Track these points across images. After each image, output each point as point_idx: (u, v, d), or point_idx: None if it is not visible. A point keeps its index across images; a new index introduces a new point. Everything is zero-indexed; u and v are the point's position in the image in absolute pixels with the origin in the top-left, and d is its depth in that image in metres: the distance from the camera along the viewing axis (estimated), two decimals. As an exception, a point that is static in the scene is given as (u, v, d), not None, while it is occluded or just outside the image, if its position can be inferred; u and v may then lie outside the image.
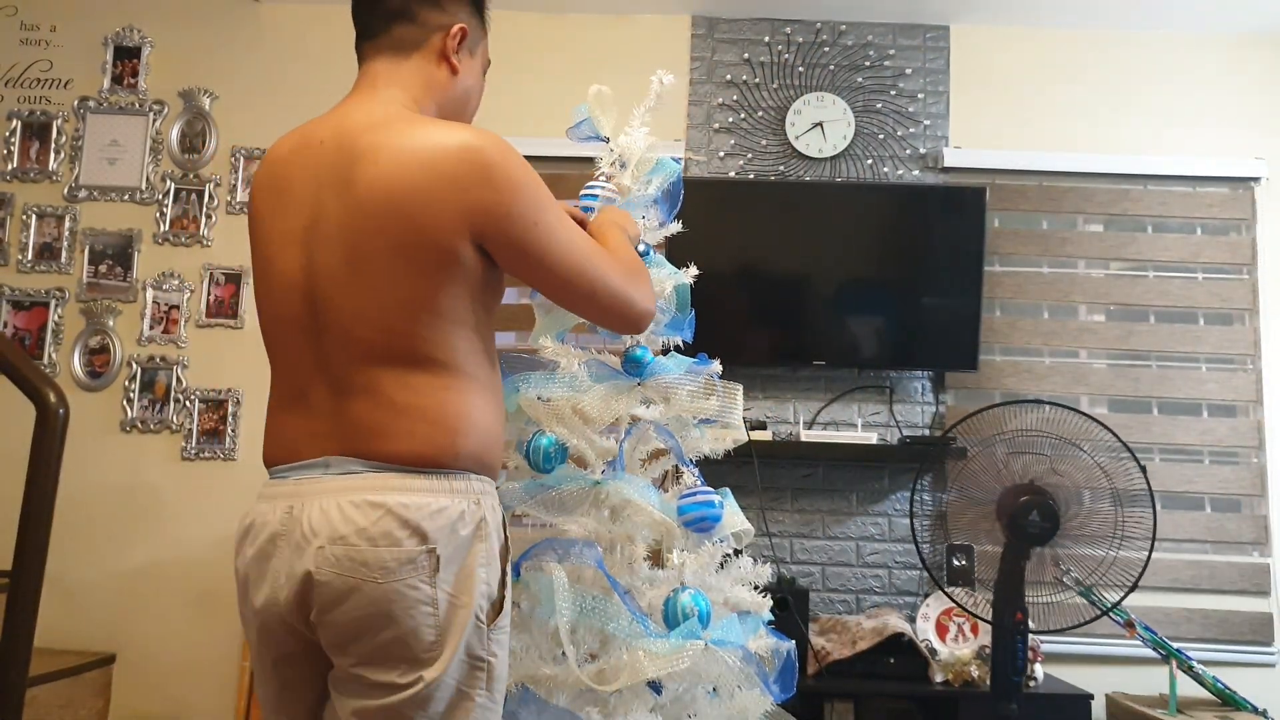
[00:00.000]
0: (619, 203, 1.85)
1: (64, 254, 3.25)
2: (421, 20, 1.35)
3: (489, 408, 1.26)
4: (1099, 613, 2.27)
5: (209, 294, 3.23)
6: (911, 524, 2.85)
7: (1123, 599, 2.29)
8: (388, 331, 1.19)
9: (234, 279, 3.24)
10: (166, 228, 3.26)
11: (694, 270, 1.89)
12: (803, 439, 3.02)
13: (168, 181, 3.28)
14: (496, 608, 1.20)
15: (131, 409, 3.17)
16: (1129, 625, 2.56)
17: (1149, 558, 2.29)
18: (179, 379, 3.18)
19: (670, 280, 1.83)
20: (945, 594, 2.48)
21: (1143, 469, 2.30)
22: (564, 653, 1.51)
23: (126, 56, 3.35)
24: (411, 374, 1.20)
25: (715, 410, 1.80)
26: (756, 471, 2.98)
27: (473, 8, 1.41)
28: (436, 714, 1.16)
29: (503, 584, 1.22)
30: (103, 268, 3.25)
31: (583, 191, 1.89)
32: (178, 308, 3.22)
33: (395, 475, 1.17)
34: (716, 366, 1.84)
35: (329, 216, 1.22)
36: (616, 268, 1.33)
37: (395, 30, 1.35)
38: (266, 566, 1.20)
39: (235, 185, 3.28)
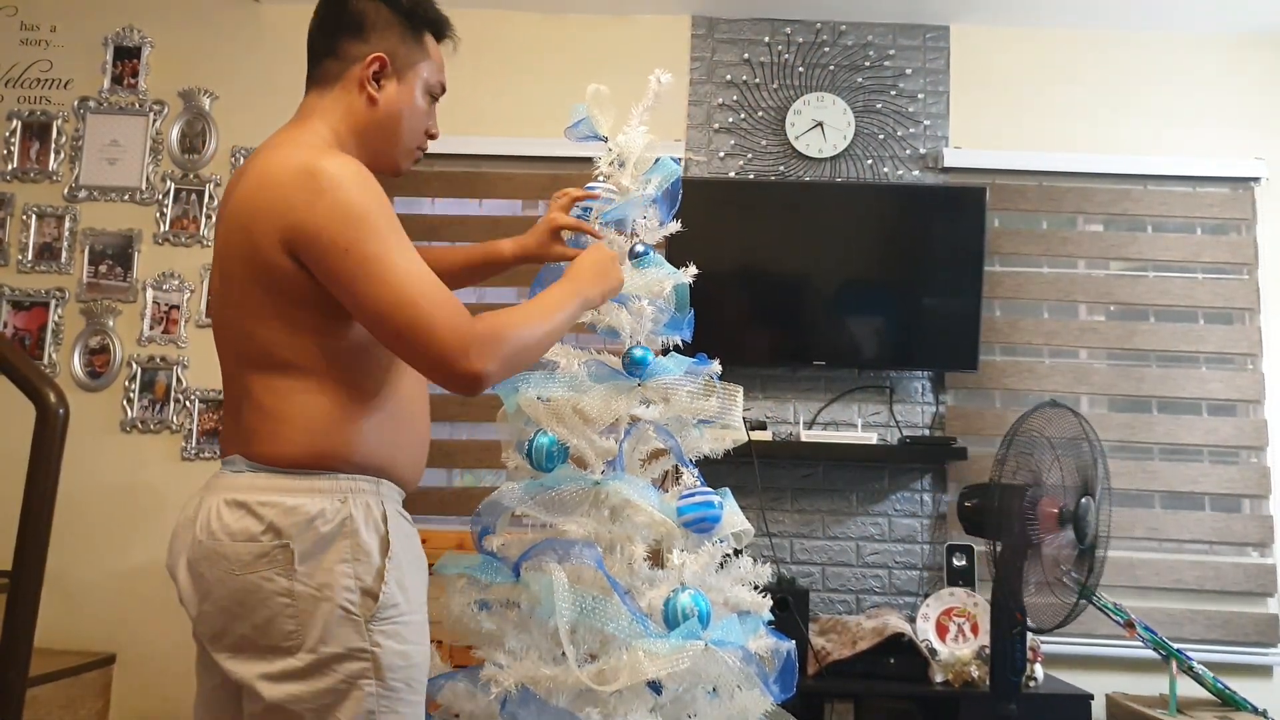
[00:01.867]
0: (620, 203, 1.85)
1: (64, 254, 3.25)
2: (342, 53, 1.40)
3: (364, 409, 1.30)
4: (1080, 602, 2.25)
5: (209, 294, 3.23)
6: (965, 529, 2.69)
7: (1087, 580, 2.26)
8: (251, 340, 1.29)
9: (234, 279, 3.23)
10: (166, 228, 3.26)
11: (693, 270, 1.89)
12: (803, 439, 3.02)
13: (168, 182, 3.28)
14: (373, 598, 1.24)
15: (131, 409, 3.17)
16: (1129, 625, 2.55)
17: (1104, 554, 2.29)
18: (179, 379, 3.18)
19: (670, 280, 1.83)
20: (1001, 599, 2.46)
21: (1096, 461, 2.28)
22: (564, 653, 1.51)
23: (126, 56, 3.35)
24: (274, 379, 1.28)
25: (715, 410, 1.80)
26: (756, 472, 2.97)
27: (405, 34, 1.43)
28: (322, 706, 1.22)
29: (381, 577, 1.25)
30: (103, 268, 3.25)
31: (584, 188, 1.89)
32: (178, 308, 3.22)
33: (265, 475, 1.26)
34: (716, 366, 1.84)
35: (219, 237, 1.35)
36: (449, 316, 1.23)
37: (322, 64, 1.41)
38: (175, 545, 1.33)
39: (235, 185, 3.27)
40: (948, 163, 3.23)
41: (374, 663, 1.24)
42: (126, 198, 3.28)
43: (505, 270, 1.79)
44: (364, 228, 1.23)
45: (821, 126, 3.26)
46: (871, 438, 2.98)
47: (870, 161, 3.26)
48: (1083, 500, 2.25)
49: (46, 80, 3.35)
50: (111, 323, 3.22)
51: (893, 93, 3.29)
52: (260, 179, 1.27)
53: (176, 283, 3.23)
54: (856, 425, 3.12)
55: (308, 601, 1.22)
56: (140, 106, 3.32)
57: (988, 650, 2.53)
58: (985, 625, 2.76)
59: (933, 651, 2.82)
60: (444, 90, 1.53)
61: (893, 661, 2.73)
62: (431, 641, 1.76)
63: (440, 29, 1.51)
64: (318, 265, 1.23)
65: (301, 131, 1.36)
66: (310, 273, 1.24)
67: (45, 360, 3.19)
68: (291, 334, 1.27)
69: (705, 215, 2.96)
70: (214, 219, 3.27)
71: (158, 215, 3.27)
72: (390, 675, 1.25)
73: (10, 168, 3.29)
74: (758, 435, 2.92)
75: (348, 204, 1.23)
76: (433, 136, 1.52)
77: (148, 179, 3.29)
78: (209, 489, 1.31)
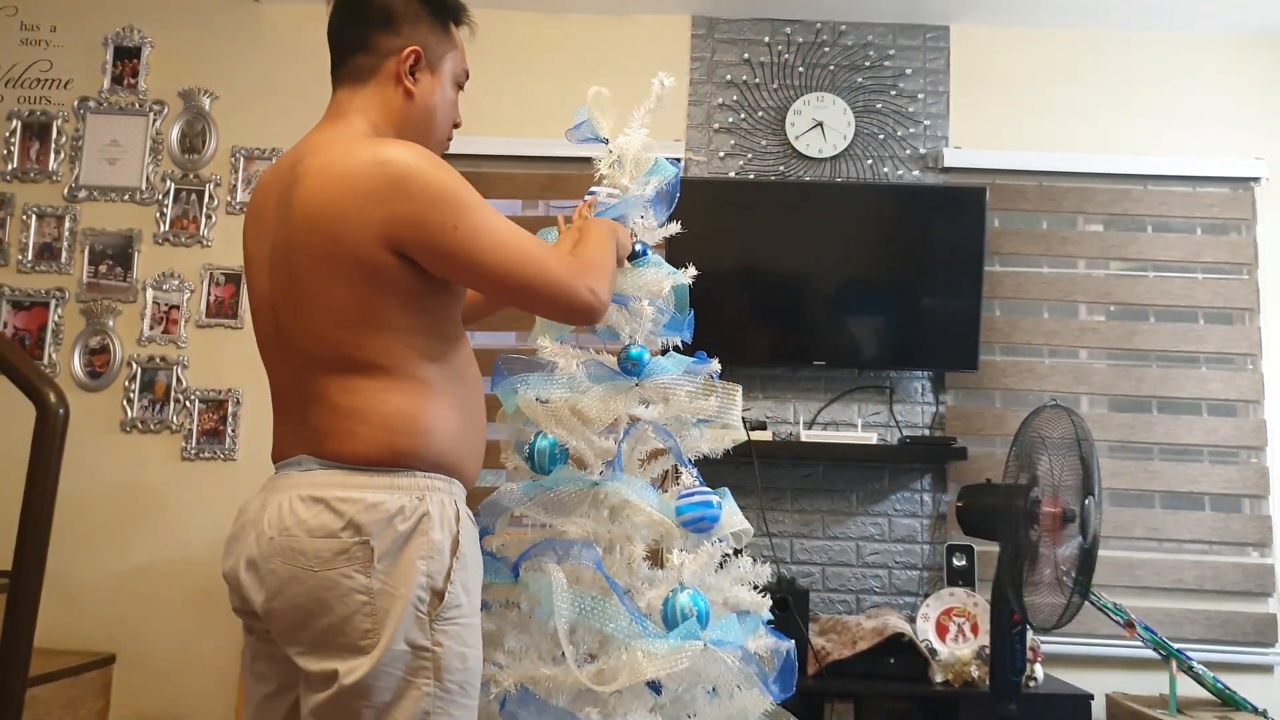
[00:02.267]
0: (617, 203, 1.85)
1: (64, 254, 3.25)
2: (375, 47, 1.39)
3: (440, 408, 1.32)
4: (1078, 601, 2.25)
5: (209, 294, 3.23)
6: (1021, 534, 2.74)
7: (1086, 579, 2.26)
8: (326, 342, 1.28)
9: (234, 279, 3.24)
10: (166, 228, 3.26)
11: (693, 270, 1.89)
12: (803, 439, 3.02)
13: (168, 182, 3.28)
14: (439, 598, 1.24)
15: (131, 409, 3.17)
16: (1129, 625, 2.55)
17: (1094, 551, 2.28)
18: (179, 379, 3.18)
19: (669, 280, 1.83)
20: (1010, 594, 2.46)
21: (1082, 458, 2.28)
22: (563, 653, 1.51)
23: (126, 56, 3.35)
24: (352, 379, 1.28)
25: (714, 410, 1.80)
26: (756, 471, 2.97)
27: (434, 24, 1.44)
28: (382, 704, 1.21)
29: (449, 577, 1.25)
30: (103, 268, 3.25)
31: (585, 195, 1.90)
32: (178, 308, 3.22)
33: (341, 473, 1.26)
34: (715, 366, 1.84)
35: (279, 240, 1.32)
36: (557, 259, 1.34)
37: (354, 60, 1.41)
38: (235, 548, 1.31)
39: (235, 185, 3.28)
40: (948, 163, 3.23)
41: (434, 663, 1.23)
42: (126, 198, 3.28)
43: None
44: (460, 204, 1.27)
45: (821, 126, 3.26)
46: (871, 438, 2.98)
47: (870, 161, 3.26)
48: (1086, 500, 2.25)
49: (46, 80, 3.35)
50: (111, 323, 3.22)
51: (893, 93, 3.29)
52: (331, 179, 1.26)
53: (176, 283, 3.23)
54: (856, 425, 3.13)
55: (385, 599, 1.21)
56: (140, 106, 3.32)
57: (988, 650, 2.54)
58: (985, 625, 2.76)
59: (933, 651, 2.82)
60: (468, 77, 1.54)
61: (893, 661, 2.74)
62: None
63: (459, 15, 1.51)
64: (428, 249, 1.26)
65: (345, 128, 1.36)
66: (413, 264, 1.27)
67: (45, 360, 3.19)
68: (375, 333, 1.27)
69: (705, 215, 2.97)
70: (231, 218, 3.28)
71: (158, 215, 3.27)
72: (448, 677, 1.24)
73: (10, 168, 3.29)
74: (758, 435, 2.92)
75: (439, 186, 1.26)
76: (457, 125, 1.54)
77: (148, 179, 3.29)
78: (273, 489, 1.29)
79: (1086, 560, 2.28)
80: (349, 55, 1.41)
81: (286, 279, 1.30)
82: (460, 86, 1.52)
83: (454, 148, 3.52)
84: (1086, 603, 2.31)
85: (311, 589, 1.21)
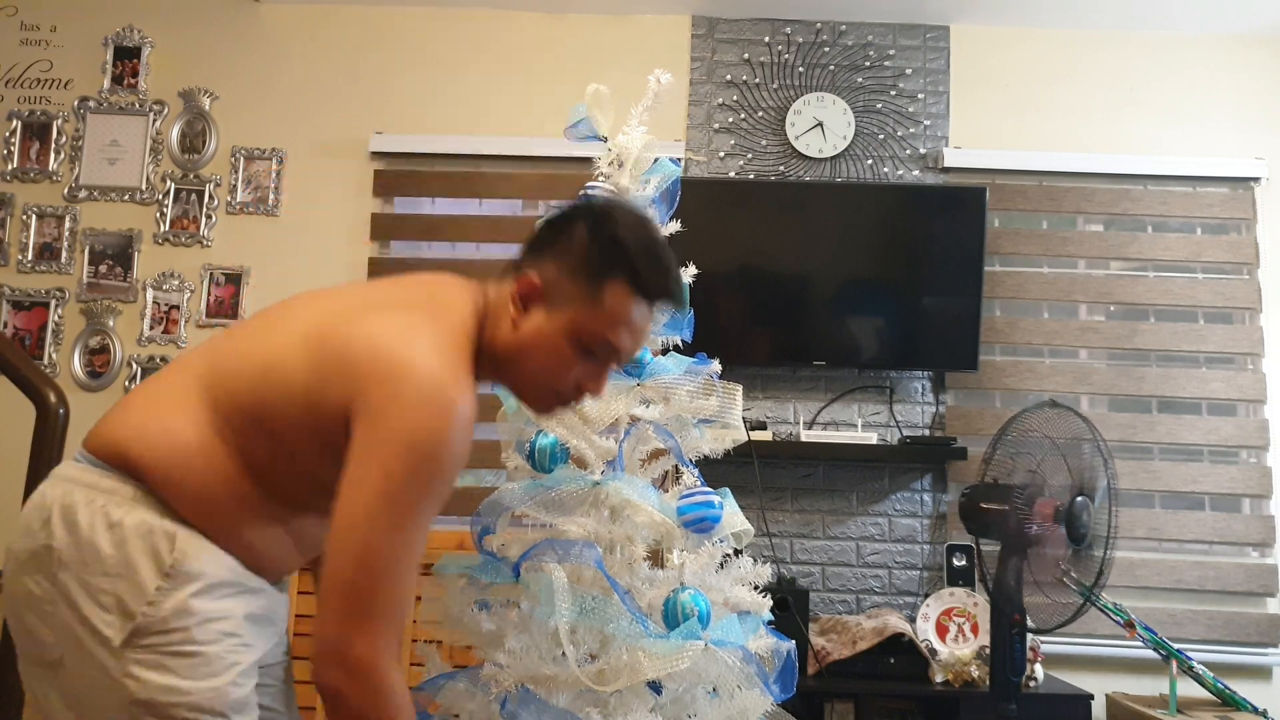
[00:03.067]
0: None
1: (64, 254, 3.25)
2: (520, 264, 1.29)
3: (246, 505, 1.21)
4: (1081, 602, 2.25)
5: (209, 294, 3.23)
6: (968, 529, 2.73)
7: (1094, 584, 2.26)
8: (245, 390, 1.21)
9: (234, 279, 3.24)
10: (166, 228, 3.26)
11: (693, 270, 1.89)
12: (803, 439, 3.02)
13: (168, 182, 3.28)
14: (129, 619, 1.10)
15: (131, 409, 3.17)
16: (1129, 626, 2.55)
17: (1105, 555, 2.28)
18: (179, 379, 3.17)
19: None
20: (987, 592, 2.46)
21: (1105, 459, 2.28)
22: (564, 653, 1.51)
23: (126, 56, 3.35)
24: (210, 421, 1.20)
25: (715, 410, 1.80)
26: (757, 471, 2.97)
27: (584, 266, 1.24)
28: None
29: (153, 596, 1.11)
30: (103, 268, 3.25)
31: (580, 192, 1.90)
32: (178, 308, 3.22)
33: (82, 466, 1.19)
34: (716, 366, 1.84)
35: (330, 303, 1.28)
36: (387, 614, 1.09)
37: (509, 268, 1.32)
38: None
39: (235, 185, 3.28)
40: (948, 163, 3.23)
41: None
42: (126, 198, 3.28)
43: None
44: (423, 472, 1.09)
45: (821, 126, 3.26)
46: (871, 438, 2.98)
47: (870, 161, 3.26)
48: (1078, 499, 2.24)
49: (46, 80, 3.35)
50: (111, 323, 3.22)
51: (893, 93, 3.29)
52: (389, 335, 1.14)
53: (176, 283, 3.23)
54: (856, 425, 3.12)
55: (63, 614, 1.10)
56: (140, 106, 3.32)
57: (988, 650, 2.53)
58: (985, 625, 2.76)
59: (933, 651, 2.82)
60: (614, 350, 1.27)
61: (893, 661, 2.73)
62: (431, 641, 1.77)
63: (648, 284, 1.25)
64: (354, 447, 1.11)
65: (464, 300, 1.27)
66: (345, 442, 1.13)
67: (45, 360, 3.19)
68: (275, 431, 1.16)
69: (705, 215, 2.96)
70: (231, 218, 3.27)
71: (158, 215, 3.27)
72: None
73: (10, 168, 3.29)
74: (758, 435, 2.92)
75: (434, 437, 1.10)
76: (589, 392, 1.31)
77: (148, 179, 3.29)
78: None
79: (1084, 560, 2.28)
80: (519, 257, 1.31)
81: (283, 326, 1.22)
82: (591, 351, 1.26)
83: (454, 147, 3.54)
84: (1087, 603, 2.31)
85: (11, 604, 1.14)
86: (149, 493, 1.15)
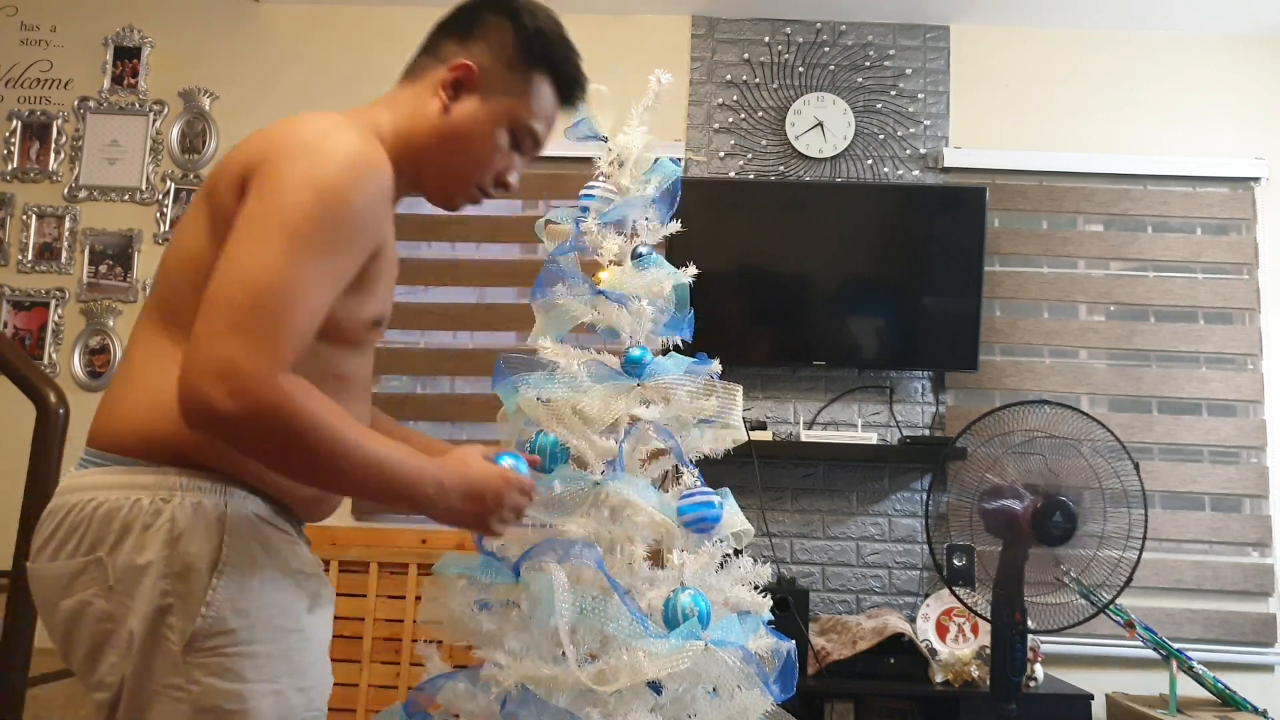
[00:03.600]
0: (618, 203, 1.85)
1: (64, 254, 3.25)
2: (439, 52, 1.26)
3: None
4: (1094, 610, 2.26)
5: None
6: (926, 525, 2.85)
7: (1115, 596, 2.28)
8: (166, 281, 1.17)
9: (234, 279, 3.23)
10: (166, 228, 3.26)
11: (693, 270, 1.89)
12: (803, 439, 3.02)
13: (168, 182, 3.28)
14: (190, 623, 1.04)
15: (131, 409, 3.17)
16: (1129, 626, 2.55)
17: (1139, 558, 2.28)
18: (179, 379, 3.18)
19: (669, 280, 1.83)
20: (955, 595, 2.47)
21: (1135, 465, 2.29)
22: (564, 653, 1.51)
23: (126, 56, 3.35)
24: (161, 332, 1.13)
25: (715, 410, 1.80)
26: (757, 471, 2.97)
27: (511, 60, 1.25)
28: None
29: (205, 598, 1.04)
30: (103, 268, 3.25)
31: (582, 191, 1.90)
32: (178, 308, 3.22)
33: (92, 471, 1.11)
34: (716, 366, 1.84)
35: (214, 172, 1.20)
36: (271, 334, 0.96)
37: (419, 60, 1.29)
38: None
39: (235, 185, 3.27)
40: (948, 163, 3.23)
41: (190, 703, 1.03)
42: (126, 198, 3.28)
43: None
44: (317, 211, 1.01)
45: (821, 126, 3.26)
46: (871, 438, 2.98)
47: (870, 161, 3.26)
48: (1048, 500, 2.25)
49: (46, 80, 3.35)
50: (112, 323, 3.22)
51: (893, 93, 3.29)
52: (277, 125, 1.11)
53: (176, 283, 3.23)
54: (856, 425, 3.12)
55: (124, 626, 1.03)
56: (140, 106, 3.32)
57: (988, 650, 2.53)
58: (985, 625, 2.76)
59: (933, 651, 2.82)
60: (535, 144, 1.30)
61: (893, 661, 2.74)
62: (431, 642, 1.77)
63: (565, 81, 1.31)
64: (251, 196, 1.03)
65: (360, 113, 1.23)
66: None
67: (45, 360, 3.19)
68: (199, 281, 1.03)
69: (705, 215, 2.97)
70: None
71: (158, 215, 3.27)
72: None
73: (10, 168, 3.29)
74: (758, 435, 2.92)
75: (330, 183, 1.03)
76: (504, 185, 1.30)
77: (148, 179, 3.29)
78: None
79: (1085, 562, 2.28)
80: (419, 54, 1.29)
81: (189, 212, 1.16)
82: (518, 145, 1.28)
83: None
84: (1087, 603, 2.31)
85: (63, 620, 1.06)
86: (181, 468, 1.06)
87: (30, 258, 3.25)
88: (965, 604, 2.43)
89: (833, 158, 3.26)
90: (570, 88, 1.32)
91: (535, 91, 1.27)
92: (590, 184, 1.88)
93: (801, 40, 3.32)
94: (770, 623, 1.76)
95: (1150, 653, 2.64)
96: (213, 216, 1.09)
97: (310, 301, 1.01)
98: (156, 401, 1.06)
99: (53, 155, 3.30)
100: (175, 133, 3.31)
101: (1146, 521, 2.30)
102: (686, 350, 1.85)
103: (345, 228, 1.04)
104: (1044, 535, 2.24)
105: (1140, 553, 2.28)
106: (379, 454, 1.05)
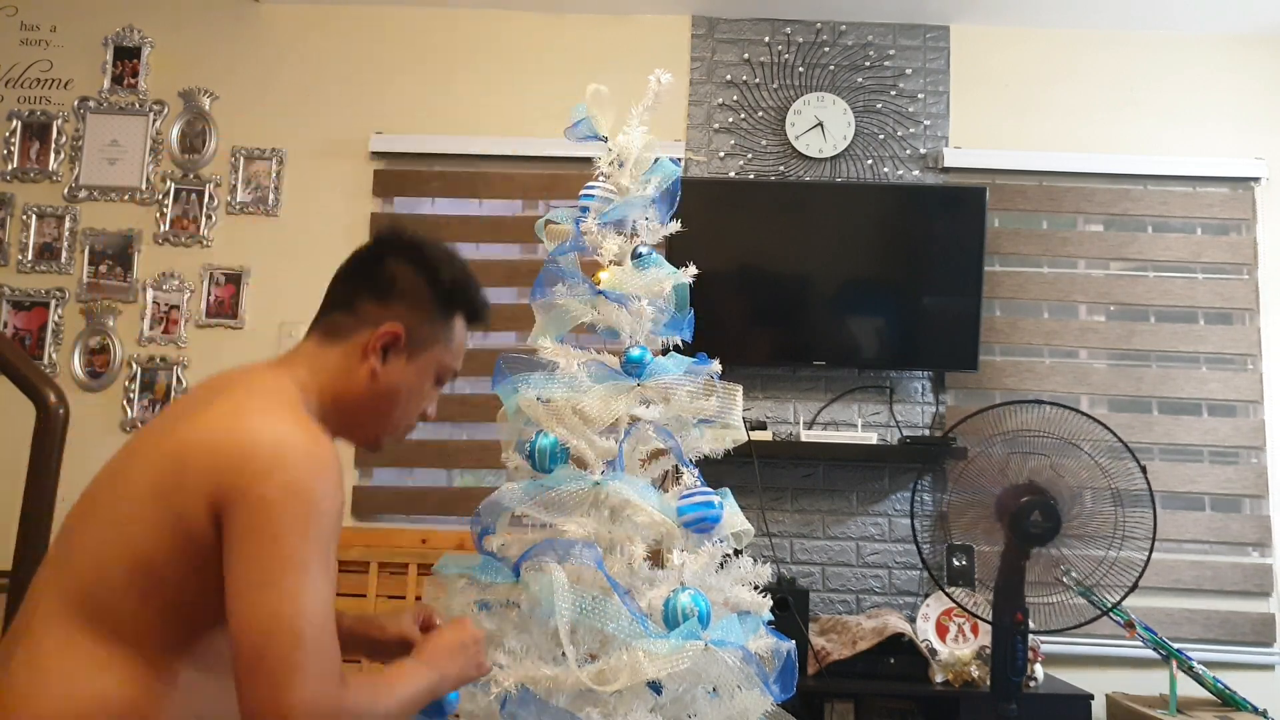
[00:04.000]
0: (618, 203, 1.86)
1: (64, 254, 3.25)
2: (358, 311, 1.27)
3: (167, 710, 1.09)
4: (1099, 613, 2.27)
5: (209, 294, 3.23)
6: (912, 524, 2.86)
7: (1122, 599, 2.29)
8: (88, 565, 1.12)
9: (234, 279, 3.24)
10: (166, 228, 3.26)
11: (693, 270, 1.89)
12: (803, 439, 3.02)
13: (168, 182, 3.28)
14: None
15: (132, 409, 3.17)
16: (1129, 626, 2.55)
17: (1149, 558, 2.28)
18: (179, 379, 3.18)
19: (669, 280, 1.83)
20: (946, 594, 2.48)
21: (1143, 469, 2.29)
22: (564, 653, 1.51)
23: (126, 56, 3.35)
24: (78, 628, 1.09)
25: (715, 410, 1.80)
26: (757, 471, 2.97)
27: (434, 312, 1.29)
28: None
29: None
30: (103, 268, 3.25)
31: (582, 192, 1.90)
32: (178, 308, 3.22)
33: None
34: (716, 366, 1.84)
35: (138, 452, 1.17)
36: (319, 669, 1.02)
37: (333, 315, 1.28)
38: None
39: (235, 185, 3.28)
40: (948, 163, 3.23)
41: None
42: (126, 198, 3.28)
43: (385, 650, 1.42)
44: (304, 526, 1.05)
45: (821, 126, 3.26)
46: (871, 438, 2.98)
47: (870, 161, 3.26)
48: (1024, 500, 2.25)
49: (46, 80, 3.35)
50: (111, 323, 3.22)
51: (893, 93, 3.29)
52: (224, 423, 1.10)
53: (176, 283, 3.23)
54: (856, 425, 3.12)
55: None
56: (140, 106, 3.32)
57: (988, 650, 2.54)
58: (985, 625, 2.76)
59: (933, 651, 2.82)
60: (455, 376, 1.37)
61: (893, 661, 2.74)
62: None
63: (477, 314, 1.36)
64: (232, 533, 1.05)
65: (281, 378, 1.20)
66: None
67: (45, 360, 3.19)
68: (137, 584, 1.07)
69: (705, 215, 2.96)
70: (231, 218, 3.27)
71: (158, 215, 3.27)
72: None
73: (10, 168, 3.29)
74: (758, 435, 2.92)
75: (305, 494, 1.06)
76: (426, 418, 1.36)
77: (148, 179, 3.29)
78: None
79: (1086, 562, 2.28)
80: (332, 308, 1.29)
81: (109, 487, 1.14)
82: (441, 382, 1.35)
83: (454, 148, 3.55)
84: (1088, 603, 2.31)
85: None
86: None
87: (30, 258, 3.25)
88: (960, 604, 2.44)
89: (833, 158, 3.26)
90: (481, 317, 1.38)
91: (454, 334, 1.33)
92: (590, 184, 1.88)
93: (801, 40, 3.32)
94: (770, 623, 1.76)
95: (1150, 653, 2.64)
96: (174, 525, 1.08)
97: (329, 606, 1.07)
98: (82, 713, 1.03)
99: (53, 155, 3.30)
100: (175, 133, 3.31)
101: (1155, 522, 2.30)
102: (686, 350, 1.86)
103: (329, 531, 1.09)
104: (1021, 534, 2.25)
105: (1150, 553, 2.28)
106: (405, 693, 1.17)
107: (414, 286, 1.28)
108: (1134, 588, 2.30)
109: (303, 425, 1.12)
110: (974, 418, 2.43)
